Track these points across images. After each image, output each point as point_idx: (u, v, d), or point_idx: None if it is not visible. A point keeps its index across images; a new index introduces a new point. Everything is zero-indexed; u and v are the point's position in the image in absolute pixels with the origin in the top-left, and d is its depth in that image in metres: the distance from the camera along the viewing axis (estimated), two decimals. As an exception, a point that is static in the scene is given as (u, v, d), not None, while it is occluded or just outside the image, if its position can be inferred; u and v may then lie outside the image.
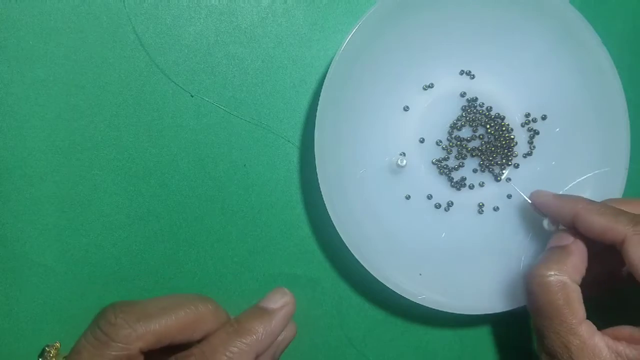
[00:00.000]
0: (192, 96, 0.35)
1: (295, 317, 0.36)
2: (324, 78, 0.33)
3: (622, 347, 0.30)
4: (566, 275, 0.32)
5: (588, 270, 0.33)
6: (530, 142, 0.39)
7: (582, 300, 0.31)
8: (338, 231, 0.34)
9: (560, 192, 0.38)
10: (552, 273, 0.32)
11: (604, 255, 0.34)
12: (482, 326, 0.40)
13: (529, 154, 0.39)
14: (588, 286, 0.32)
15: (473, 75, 0.39)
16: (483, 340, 0.41)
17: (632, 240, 0.31)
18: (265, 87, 0.36)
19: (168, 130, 0.35)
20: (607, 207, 0.33)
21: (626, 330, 0.31)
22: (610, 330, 0.31)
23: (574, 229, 0.34)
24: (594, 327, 0.31)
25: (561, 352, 0.31)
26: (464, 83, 0.39)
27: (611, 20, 0.41)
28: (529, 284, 0.33)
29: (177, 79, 0.35)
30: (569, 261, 0.32)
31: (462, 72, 0.39)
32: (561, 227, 0.36)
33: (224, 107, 0.36)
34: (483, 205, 0.39)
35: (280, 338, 0.31)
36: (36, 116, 0.33)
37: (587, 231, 0.33)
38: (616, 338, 0.31)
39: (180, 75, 0.35)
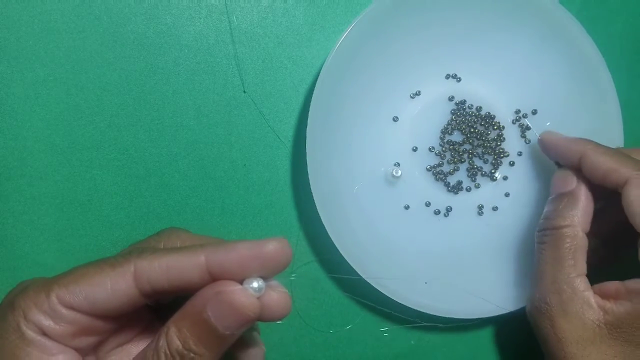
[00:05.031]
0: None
1: (295, 317, 0.37)
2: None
3: (609, 305, 0.31)
4: (577, 226, 0.33)
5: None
6: (524, 137, 0.39)
7: (585, 254, 0.33)
8: (339, 249, 0.34)
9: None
10: (566, 224, 0.33)
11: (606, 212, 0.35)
12: (489, 328, 0.40)
13: (523, 151, 0.39)
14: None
15: (459, 78, 0.39)
16: (489, 341, 0.40)
17: (633, 182, 0.31)
18: (265, 87, 0.36)
19: (168, 130, 0.35)
20: (614, 150, 0.34)
21: (612, 286, 0.32)
22: (597, 286, 0.33)
23: (579, 172, 0.34)
24: (589, 284, 0.32)
25: (552, 299, 0.33)
26: (451, 87, 0.39)
27: (611, 21, 0.42)
28: (541, 236, 0.34)
29: (177, 79, 0.35)
30: (579, 209, 0.33)
31: (447, 76, 0.39)
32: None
33: (224, 107, 0.36)
34: (482, 206, 0.39)
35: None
36: (36, 116, 0.33)
37: (592, 172, 0.33)
38: (603, 294, 0.32)
39: (180, 75, 0.35)
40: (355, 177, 0.37)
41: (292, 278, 0.35)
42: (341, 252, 0.34)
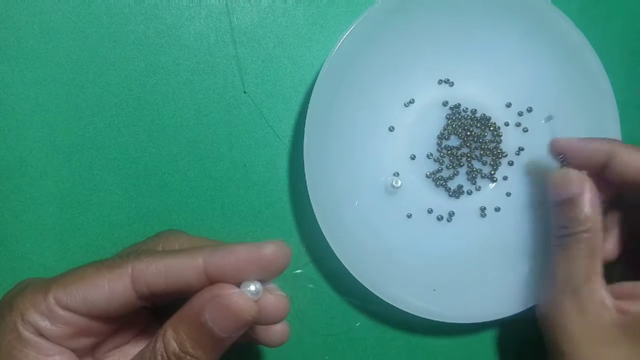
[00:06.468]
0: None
1: (296, 317, 0.37)
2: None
3: (625, 305, 0.31)
4: (596, 229, 0.32)
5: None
6: (525, 130, 0.39)
7: (602, 254, 0.32)
8: (342, 262, 0.34)
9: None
10: (584, 229, 0.32)
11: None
12: (490, 329, 0.40)
13: (522, 149, 0.39)
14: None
15: (452, 82, 0.39)
16: (490, 343, 0.40)
17: None
18: (265, 87, 0.36)
19: (168, 130, 0.35)
20: None
21: (627, 286, 0.32)
22: (612, 287, 0.32)
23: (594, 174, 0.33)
24: (605, 284, 0.32)
25: (567, 300, 0.32)
26: (444, 92, 0.39)
27: (610, 21, 0.41)
28: (558, 241, 0.34)
29: (177, 79, 0.35)
30: (592, 210, 0.32)
31: (440, 82, 0.39)
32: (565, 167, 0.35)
33: (224, 107, 0.36)
34: (485, 208, 0.39)
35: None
36: (36, 116, 0.33)
37: (623, 171, 0.32)
38: (618, 294, 0.32)
39: (180, 75, 0.35)
40: (355, 188, 0.37)
41: (299, 272, 0.36)
42: (344, 263, 0.34)
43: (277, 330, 0.29)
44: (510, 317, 0.37)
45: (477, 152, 0.39)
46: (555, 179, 0.34)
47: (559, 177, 0.34)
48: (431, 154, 0.39)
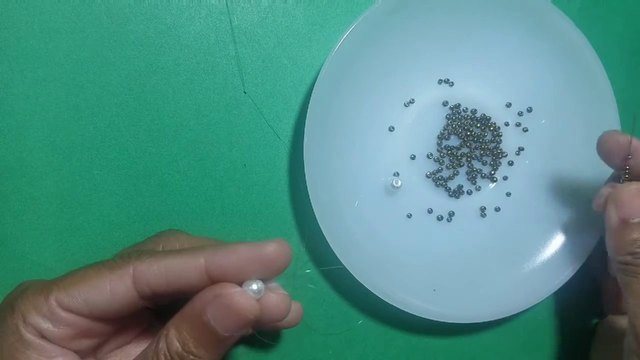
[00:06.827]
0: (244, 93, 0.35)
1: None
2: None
3: None
4: None
5: None
6: (525, 130, 0.39)
7: None
8: (342, 262, 0.34)
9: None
10: None
11: None
12: (490, 329, 0.40)
13: (522, 149, 0.39)
14: None
15: (452, 82, 0.39)
16: (490, 343, 0.40)
17: None
18: (265, 87, 0.36)
19: (168, 130, 0.35)
20: None
21: None
22: None
23: None
24: None
25: None
26: (444, 92, 0.39)
27: (611, 21, 0.41)
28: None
29: (177, 79, 0.35)
30: None
31: (440, 81, 0.39)
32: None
33: (224, 107, 0.36)
34: (485, 208, 0.39)
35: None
36: (36, 116, 0.33)
37: None
38: None
39: (180, 75, 0.35)
40: (355, 188, 0.37)
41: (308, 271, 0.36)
42: (344, 263, 0.34)
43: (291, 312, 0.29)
44: (510, 317, 0.37)
45: (477, 152, 0.39)
46: (623, 196, 0.31)
47: (628, 195, 0.31)
48: (431, 154, 0.39)
